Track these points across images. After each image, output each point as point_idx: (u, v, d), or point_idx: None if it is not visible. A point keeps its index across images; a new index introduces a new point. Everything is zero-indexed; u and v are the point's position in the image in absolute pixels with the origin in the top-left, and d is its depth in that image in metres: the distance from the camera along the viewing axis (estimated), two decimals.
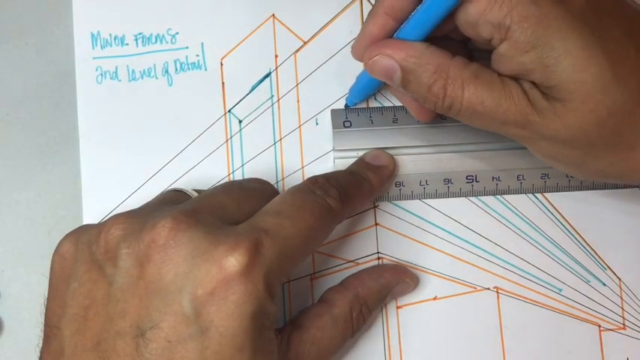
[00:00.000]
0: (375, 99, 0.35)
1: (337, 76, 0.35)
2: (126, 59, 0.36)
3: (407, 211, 0.35)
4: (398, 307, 0.34)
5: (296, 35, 0.36)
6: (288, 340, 0.29)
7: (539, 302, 0.34)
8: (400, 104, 0.34)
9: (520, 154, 0.33)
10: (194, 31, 0.36)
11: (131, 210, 0.29)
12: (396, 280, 0.33)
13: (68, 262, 0.27)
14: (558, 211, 0.35)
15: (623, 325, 0.34)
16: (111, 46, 0.36)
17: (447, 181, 0.34)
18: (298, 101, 0.35)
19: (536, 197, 0.35)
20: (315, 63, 0.35)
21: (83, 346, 0.25)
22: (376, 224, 0.35)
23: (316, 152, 0.35)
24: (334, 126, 0.34)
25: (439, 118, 0.33)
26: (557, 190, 0.34)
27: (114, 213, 0.34)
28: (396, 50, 0.29)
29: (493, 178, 0.34)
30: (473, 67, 0.28)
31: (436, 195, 0.34)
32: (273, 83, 0.35)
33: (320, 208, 0.28)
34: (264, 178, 0.33)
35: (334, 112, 0.35)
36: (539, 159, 0.30)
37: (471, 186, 0.34)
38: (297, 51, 0.36)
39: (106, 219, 0.28)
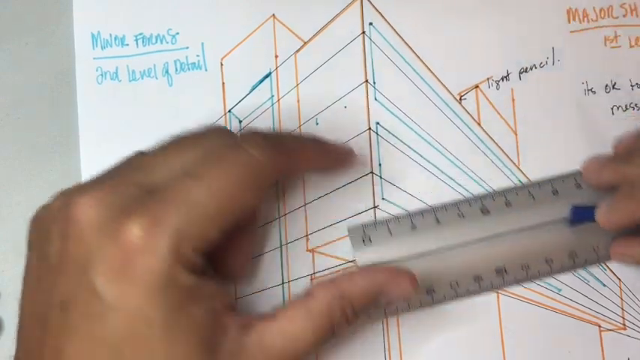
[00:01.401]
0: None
1: (337, 76, 0.35)
2: (126, 59, 0.36)
3: (407, 211, 0.35)
4: None
5: (296, 35, 0.36)
6: (250, 326, 0.27)
7: (539, 302, 0.34)
8: (416, 210, 0.34)
9: (546, 237, 0.33)
10: (194, 31, 0.36)
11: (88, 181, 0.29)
12: (392, 283, 0.29)
13: (31, 229, 0.28)
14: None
15: (623, 325, 0.34)
16: (111, 46, 0.36)
17: (477, 278, 0.33)
18: (298, 101, 0.35)
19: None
20: (315, 63, 0.35)
21: (33, 318, 0.27)
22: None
23: None
24: (354, 246, 0.33)
25: None
26: (587, 265, 0.34)
27: None
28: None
29: (522, 266, 0.33)
30: None
31: (469, 293, 0.33)
32: (273, 83, 0.35)
33: (240, 163, 0.27)
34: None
35: (351, 231, 0.34)
36: (565, 241, 0.32)
37: (502, 279, 0.33)
38: (297, 51, 0.36)
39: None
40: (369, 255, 0.33)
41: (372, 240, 0.33)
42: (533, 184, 0.34)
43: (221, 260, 0.30)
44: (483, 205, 0.34)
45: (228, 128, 0.29)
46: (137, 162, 0.28)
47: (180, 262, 0.25)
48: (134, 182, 0.27)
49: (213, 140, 0.28)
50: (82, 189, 0.27)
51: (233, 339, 0.26)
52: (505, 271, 0.33)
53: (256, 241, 0.33)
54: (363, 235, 0.33)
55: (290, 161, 0.29)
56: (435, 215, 0.34)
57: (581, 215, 0.33)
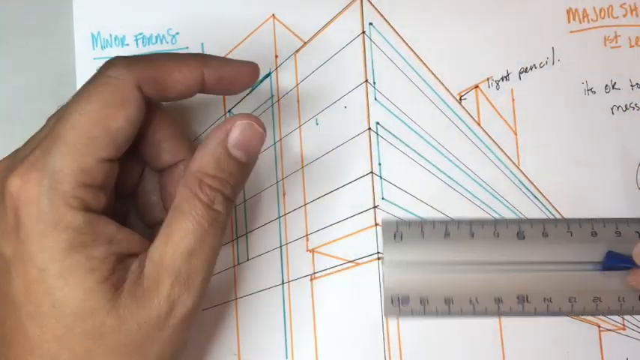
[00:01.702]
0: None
1: (337, 76, 0.35)
2: None
3: (407, 211, 0.35)
4: None
5: (296, 35, 0.36)
6: (146, 257, 0.26)
7: None
8: (452, 218, 0.34)
9: (575, 276, 0.33)
10: (194, 31, 0.36)
11: None
12: (224, 132, 0.28)
13: None
14: (558, 212, 0.35)
15: (623, 325, 0.34)
16: (111, 46, 0.36)
17: (498, 300, 0.33)
18: (298, 101, 0.35)
19: (536, 198, 0.35)
20: (315, 63, 0.35)
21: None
22: (376, 224, 0.35)
23: (316, 152, 0.35)
24: (385, 240, 0.34)
25: None
26: (609, 314, 0.34)
27: None
28: None
29: (545, 299, 0.33)
30: None
31: (486, 313, 0.33)
32: (273, 83, 0.35)
33: (98, 87, 0.27)
34: (264, 179, 0.33)
35: (385, 224, 0.34)
36: (593, 284, 0.32)
37: (522, 306, 0.33)
38: (297, 51, 0.36)
39: None
40: (396, 252, 0.33)
41: (402, 238, 0.33)
42: (574, 221, 0.34)
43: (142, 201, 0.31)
44: (520, 229, 0.34)
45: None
46: (42, 127, 0.29)
47: (64, 201, 0.25)
48: (30, 144, 0.27)
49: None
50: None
51: (134, 274, 0.26)
52: (527, 299, 0.33)
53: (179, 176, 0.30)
54: (395, 230, 0.33)
55: (156, 74, 0.28)
56: (471, 228, 0.34)
57: (615, 261, 0.33)
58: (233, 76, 0.30)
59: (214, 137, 0.28)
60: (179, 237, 0.26)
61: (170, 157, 0.30)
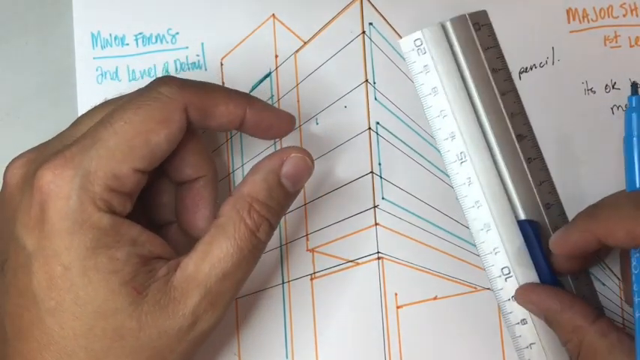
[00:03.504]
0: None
1: (337, 76, 0.35)
2: (126, 59, 0.36)
3: (407, 211, 0.35)
4: (398, 307, 0.34)
5: (296, 35, 0.36)
6: (176, 265, 0.27)
7: None
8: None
9: None
10: (194, 31, 0.36)
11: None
12: (279, 161, 0.29)
13: None
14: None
15: (623, 325, 0.34)
16: (111, 46, 0.36)
17: None
18: (298, 101, 0.35)
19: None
20: (315, 63, 0.35)
21: None
22: (376, 224, 0.35)
23: (316, 152, 0.35)
24: None
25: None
26: None
27: None
28: (541, 300, 0.31)
29: None
30: (611, 338, 0.29)
31: None
32: (273, 83, 0.35)
33: (145, 101, 0.27)
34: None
35: None
36: None
37: None
38: (297, 51, 0.36)
39: None
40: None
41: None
42: None
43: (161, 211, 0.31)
44: None
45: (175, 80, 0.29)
46: (71, 125, 0.29)
47: (92, 202, 0.25)
48: (60, 140, 0.28)
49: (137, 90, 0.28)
50: (16, 158, 0.28)
51: (160, 280, 0.26)
52: None
53: (210, 197, 0.31)
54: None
55: (204, 101, 0.29)
56: None
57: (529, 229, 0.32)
58: (272, 122, 0.31)
59: (268, 165, 0.28)
60: (218, 257, 0.27)
61: (193, 172, 0.30)
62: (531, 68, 0.35)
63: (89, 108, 0.35)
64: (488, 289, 0.34)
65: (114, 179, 0.26)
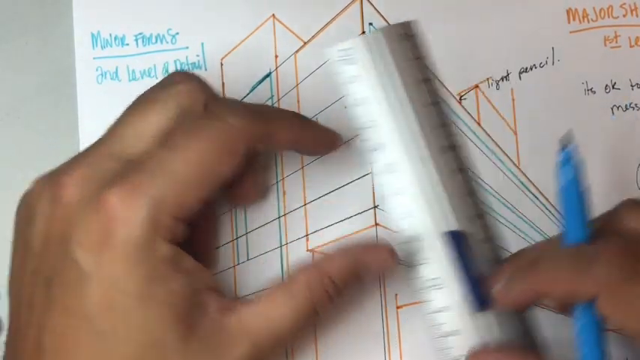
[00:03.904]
0: None
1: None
2: (126, 59, 0.36)
3: None
4: (398, 307, 0.34)
5: (296, 35, 0.36)
6: (231, 308, 0.27)
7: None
8: None
9: None
10: (194, 31, 0.36)
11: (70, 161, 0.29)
12: (370, 255, 0.29)
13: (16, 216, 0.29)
14: (558, 211, 0.35)
15: None
16: (111, 46, 0.36)
17: None
18: (298, 101, 0.35)
19: (536, 198, 0.35)
20: (315, 63, 0.35)
21: (19, 301, 0.27)
22: (376, 224, 0.35)
23: None
24: None
25: None
26: None
27: None
28: None
29: None
30: None
31: None
32: (273, 83, 0.35)
33: (218, 131, 0.27)
34: (264, 179, 0.33)
35: None
36: None
37: None
38: (297, 51, 0.36)
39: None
40: None
41: None
42: None
43: (204, 239, 0.31)
44: None
45: (194, 75, 0.29)
46: (109, 134, 0.28)
47: (158, 232, 0.25)
48: (110, 154, 0.27)
49: (182, 101, 0.28)
50: (61, 170, 0.27)
51: (212, 319, 0.26)
52: None
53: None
54: None
55: (268, 130, 0.29)
56: None
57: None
58: (322, 142, 0.32)
59: (358, 254, 0.29)
60: (278, 319, 0.27)
61: (255, 198, 0.32)
62: (531, 68, 0.35)
63: (91, 108, 0.35)
64: None
65: (179, 209, 0.26)
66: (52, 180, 0.27)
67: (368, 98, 0.32)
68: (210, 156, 0.26)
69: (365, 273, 0.29)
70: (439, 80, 0.35)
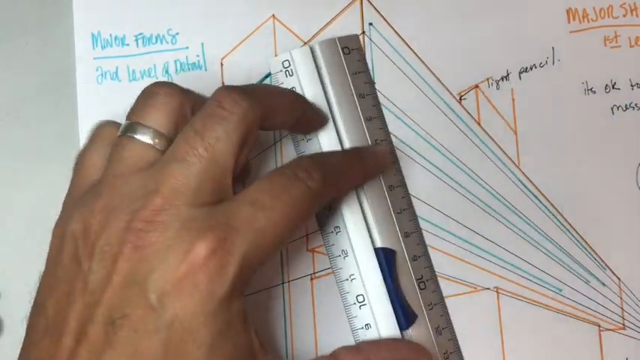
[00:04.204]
0: None
1: None
2: (126, 59, 0.36)
3: None
4: None
5: (296, 35, 0.36)
6: None
7: (539, 302, 0.34)
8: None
9: None
10: (194, 31, 0.36)
11: (102, 185, 0.28)
12: (409, 355, 0.31)
13: (58, 247, 0.28)
14: (558, 211, 0.35)
15: (623, 325, 0.34)
16: (111, 46, 0.36)
17: None
18: None
19: (536, 198, 0.35)
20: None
21: (62, 329, 0.26)
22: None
23: None
24: None
25: None
26: None
27: None
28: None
29: None
30: None
31: None
32: (273, 83, 0.35)
33: (299, 194, 0.27)
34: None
35: None
36: None
37: None
38: None
39: (89, 197, 0.28)
40: None
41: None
42: None
43: None
44: None
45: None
46: (168, 180, 0.27)
47: (238, 288, 0.26)
48: (180, 199, 0.26)
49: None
50: (145, 209, 0.26)
51: None
52: None
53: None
54: None
55: (340, 190, 0.31)
56: None
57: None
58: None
59: (401, 353, 0.31)
60: None
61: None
62: (531, 68, 0.35)
63: (91, 108, 0.35)
64: (488, 288, 0.34)
65: (260, 266, 0.26)
66: (121, 214, 0.26)
67: None
68: (294, 220, 0.27)
69: None
70: (439, 80, 0.35)
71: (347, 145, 0.32)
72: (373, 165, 0.33)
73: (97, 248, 0.26)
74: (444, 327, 0.33)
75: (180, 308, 0.25)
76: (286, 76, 0.32)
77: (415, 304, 0.32)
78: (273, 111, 0.29)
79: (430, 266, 0.33)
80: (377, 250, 0.32)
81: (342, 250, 0.32)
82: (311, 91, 0.32)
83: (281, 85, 0.33)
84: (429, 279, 0.33)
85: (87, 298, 0.26)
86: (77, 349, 0.26)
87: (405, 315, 0.32)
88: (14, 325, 0.34)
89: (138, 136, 0.28)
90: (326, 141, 0.32)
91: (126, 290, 0.25)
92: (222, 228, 0.26)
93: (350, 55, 0.33)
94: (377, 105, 0.33)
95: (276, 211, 0.27)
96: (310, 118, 0.33)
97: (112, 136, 0.29)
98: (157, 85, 0.29)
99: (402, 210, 0.33)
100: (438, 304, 0.33)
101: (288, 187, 0.27)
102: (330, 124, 0.32)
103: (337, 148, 0.32)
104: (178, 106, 0.28)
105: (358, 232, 0.32)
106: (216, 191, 0.27)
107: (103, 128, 0.30)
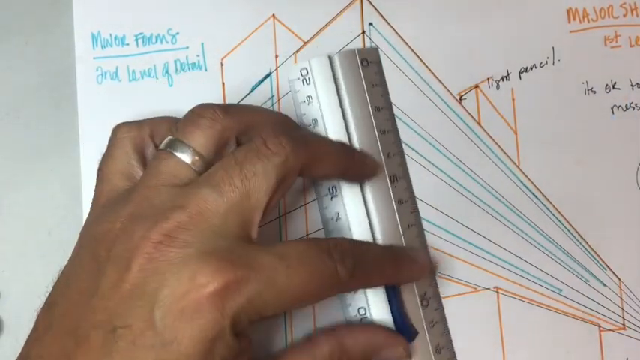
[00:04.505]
0: None
1: None
2: (126, 59, 0.36)
3: None
4: None
5: (296, 35, 0.36)
6: None
7: (539, 302, 0.34)
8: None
9: None
10: (194, 31, 0.36)
11: (134, 193, 0.28)
12: (388, 345, 0.31)
13: (80, 246, 0.28)
14: (558, 211, 0.35)
15: (623, 325, 0.34)
16: (111, 46, 0.36)
17: None
18: None
19: (536, 197, 0.35)
20: None
21: (66, 327, 0.26)
22: None
23: None
24: None
25: None
26: None
27: None
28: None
29: None
30: None
31: None
32: (273, 83, 0.35)
33: (325, 274, 0.27)
34: None
35: None
36: None
37: None
38: (297, 51, 0.36)
39: (118, 204, 0.28)
40: None
41: None
42: None
43: None
44: None
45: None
46: (203, 203, 0.27)
47: (233, 328, 0.25)
48: (209, 225, 0.26)
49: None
50: (169, 222, 0.26)
51: None
52: None
53: None
54: None
55: (365, 285, 0.31)
56: None
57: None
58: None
59: (374, 340, 0.30)
60: None
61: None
62: (531, 68, 0.35)
63: (90, 108, 0.35)
64: (488, 289, 0.34)
65: (259, 318, 0.26)
66: (143, 223, 0.26)
67: (318, 120, 0.32)
68: (306, 291, 0.27)
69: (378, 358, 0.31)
70: (439, 80, 0.35)
71: None
72: (408, 274, 0.32)
73: (114, 252, 0.26)
74: (444, 346, 0.33)
75: (181, 331, 0.25)
76: (303, 84, 0.32)
77: (417, 320, 0.32)
78: (316, 161, 0.29)
79: (434, 284, 0.33)
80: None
81: None
82: (327, 101, 0.32)
83: (297, 93, 0.33)
84: (431, 296, 0.33)
85: (95, 301, 0.26)
86: (75, 352, 0.25)
87: (406, 331, 0.31)
88: (14, 325, 0.34)
89: (177, 154, 0.28)
90: None
91: (133, 300, 0.25)
92: (242, 267, 0.25)
93: (368, 68, 0.33)
94: (391, 119, 0.33)
95: (298, 276, 0.26)
96: (359, 171, 0.32)
97: (132, 141, 0.29)
98: (204, 108, 0.29)
99: (410, 225, 0.33)
100: (439, 322, 0.33)
101: (318, 260, 0.27)
102: (344, 135, 0.32)
103: None
104: (221, 131, 0.28)
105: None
106: (243, 225, 0.27)
107: (122, 132, 0.30)
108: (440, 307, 0.33)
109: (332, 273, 0.27)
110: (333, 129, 0.32)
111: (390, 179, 0.32)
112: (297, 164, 0.28)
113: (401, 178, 0.33)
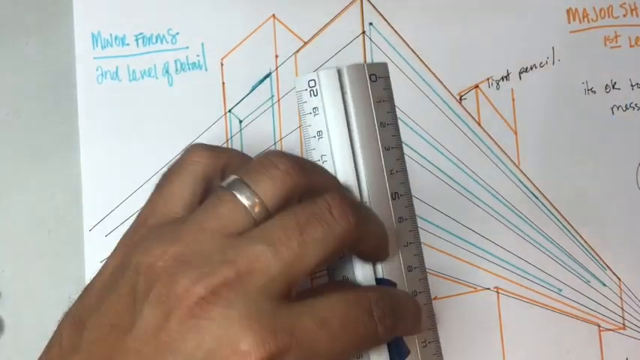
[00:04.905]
0: None
1: None
2: (126, 59, 0.36)
3: None
4: None
5: (296, 35, 0.36)
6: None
7: (539, 302, 0.34)
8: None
9: None
10: (194, 31, 0.36)
11: (185, 230, 0.26)
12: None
13: (114, 274, 0.27)
14: (558, 211, 0.35)
15: (623, 325, 0.34)
16: (111, 46, 0.36)
17: None
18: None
19: (536, 197, 0.35)
20: (315, 63, 0.35)
21: (95, 358, 0.26)
22: None
23: None
24: None
25: None
26: None
27: (114, 213, 0.35)
28: None
29: None
30: None
31: None
32: (274, 83, 0.35)
33: (365, 337, 0.26)
34: None
35: None
36: None
37: None
38: (297, 51, 0.36)
39: (166, 234, 0.27)
40: None
41: None
42: None
43: None
44: None
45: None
46: (256, 261, 0.26)
47: None
48: (257, 286, 0.25)
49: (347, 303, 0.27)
50: (191, 257, 0.25)
51: None
52: None
53: None
54: None
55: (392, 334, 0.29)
56: None
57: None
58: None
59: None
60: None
61: None
62: (531, 68, 0.35)
63: (91, 108, 0.35)
64: (488, 289, 0.34)
65: None
66: (191, 270, 0.25)
67: (323, 132, 0.32)
68: (346, 353, 0.26)
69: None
70: (439, 80, 0.35)
71: (362, 172, 0.32)
72: (419, 328, 0.31)
73: (154, 292, 0.25)
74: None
75: (186, 348, 0.24)
76: (310, 95, 0.32)
77: (409, 339, 0.32)
78: (365, 239, 0.28)
79: (429, 302, 0.33)
80: (379, 281, 0.32)
81: (343, 276, 0.32)
82: (333, 114, 0.32)
83: (304, 104, 0.32)
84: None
85: (129, 340, 0.25)
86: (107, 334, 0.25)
87: (398, 352, 0.31)
88: (14, 324, 0.34)
89: (241, 198, 0.26)
90: (340, 167, 0.32)
91: (168, 354, 0.24)
92: (285, 337, 0.24)
93: (376, 83, 0.33)
94: (397, 135, 0.33)
95: (340, 344, 0.25)
96: (379, 253, 0.31)
97: (205, 168, 0.28)
98: (281, 158, 0.27)
99: (409, 244, 0.33)
100: (432, 342, 0.33)
101: (360, 324, 0.26)
102: (349, 151, 0.32)
103: (352, 174, 0.32)
104: (292, 188, 0.27)
105: (362, 263, 0.32)
106: (286, 288, 0.25)
107: (197, 156, 0.29)
108: (433, 327, 0.33)
109: (372, 334, 0.26)
110: (338, 142, 0.32)
111: (392, 196, 0.32)
112: (355, 238, 0.27)
113: (403, 196, 0.33)
